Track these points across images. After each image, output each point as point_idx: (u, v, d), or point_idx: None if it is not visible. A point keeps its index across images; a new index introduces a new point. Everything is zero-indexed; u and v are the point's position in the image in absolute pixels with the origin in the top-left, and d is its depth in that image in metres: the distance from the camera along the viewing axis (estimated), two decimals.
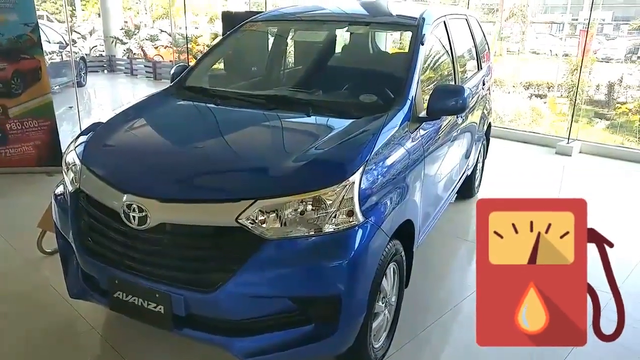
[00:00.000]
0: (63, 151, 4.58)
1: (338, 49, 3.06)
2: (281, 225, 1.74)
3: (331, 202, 1.77)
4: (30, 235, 3.20)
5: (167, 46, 13.18)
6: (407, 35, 2.72)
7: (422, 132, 2.42)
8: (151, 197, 1.81)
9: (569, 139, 5.97)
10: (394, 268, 2.17)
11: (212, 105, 2.48)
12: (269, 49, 3.32)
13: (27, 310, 2.56)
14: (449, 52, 3.07)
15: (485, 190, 4.49)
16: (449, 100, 2.35)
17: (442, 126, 2.71)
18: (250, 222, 1.73)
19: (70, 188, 2.14)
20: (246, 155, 2.01)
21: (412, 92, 2.37)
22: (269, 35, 3.39)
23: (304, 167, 1.85)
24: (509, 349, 2.35)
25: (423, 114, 2.42)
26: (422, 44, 2.60)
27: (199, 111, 2.49)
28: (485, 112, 4.07)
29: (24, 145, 4.65)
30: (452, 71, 3.06)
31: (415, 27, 2.70)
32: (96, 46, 15.16)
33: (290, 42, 3.31)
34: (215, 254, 1.78)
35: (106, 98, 9.60)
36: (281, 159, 1.90)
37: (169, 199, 1.80)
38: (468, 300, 2.76)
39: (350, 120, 2.20)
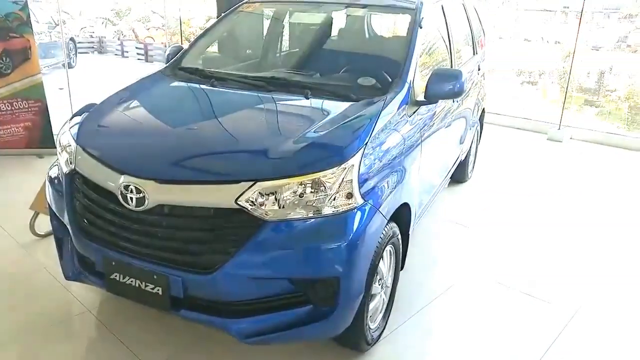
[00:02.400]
0: (54, 133, 4.60)
1: (336, 32, 3.03)
2: (280, 207, 1.74)
3: (330, 184, 1.77)
4: (23, 218, 3.17)
5: (158, 28, 12.95)
6: (405, 18, 2.69)
7: (419, 115, 2.42)
8: (149, 178, 1.79)
9: (560, 125, 6.01)
10: (390, 250, 2.19)
11: (209, 87, 2.45)
12: (266, 31, 3.27)
13: (21, 293, 2.55)
14: (446, 36, 3.06)
15: (479, 175, 4.52)
16: (446, 84, 2.35)
17: (439, 111, 2.71)
18: (249, 204, 1.73)
19: (65, 169, 2.11)
20: (245, 137, 2.00)
21: (410, 76, 2.36)
22: (266, 17, 3.34)
23: (304, 149, 1.84)
24: (506, 336, 2.41)
25: (420, 97, 2.42)
26: (421, 28, 2.58)
27: (196, 92, 2.46)
28: (480, 97, 4.07)
29: (14, 126, 4.57)
30: (449, 55, 3.05)
31: (413, 10, 2.68)
32: (86, 27, 14.85)
33: (287, 24, 3.27)
34: (213, 236, 1.77)
35: (97, 80, 9.43)
36: (280, 141, 1.89)
37: (167, 180, 1.79)
38: (461, 282, 2.80)
39: (349, 103, 2.19)
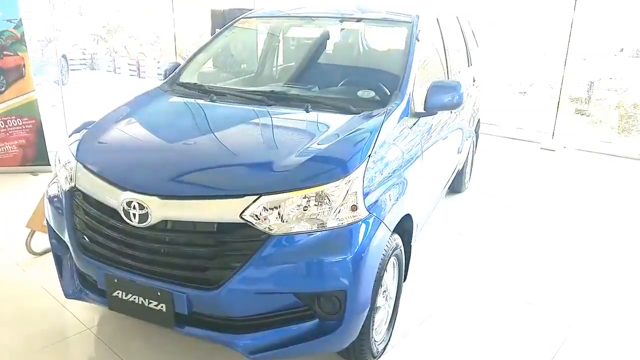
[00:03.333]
0: (49, 150, 4.56)
1: (333, 46, 3.06)
2: (285, 221, 1.74)
3: (335, 197, 1.77)
4: (18, 236, 3.13)
5: (151, 44, 13.00)
6: (402, 31, 2.73)
7: (419, 127, 2.44)
8: (152, 193, 1.78)
9: (553, 134, 6.09)
10: (393, 262, 2.19)
11: (209, 102, 2.46)
12: (263, 46, 3.30)
13: (19, 312, 2.50)
14: (442, 48, 3.10)
15: (475, 185, 4.55)
16: (445, 95, 2.37)
17: (437, 122, 2.74)
18: (254, 218, 1.72)
19: (65, 186, 2.09)
20: (248, 151, 1.99)
21: (410, 88, 2.39)
22: (262, 32, 3.37)
23: (307, 162, 1.84)
24: (517, 345, 2.40)
25: (419, 109, 2.44)
26: (418, 40, 2.62)
27: (196, 107, 2.46)
28: (475, 108, 4.12)
29: (8, 144, 4.54)
30: (445, 67, 3.09)
31: (410, 23, 2.72)
32: (77, 44, 14.86)
33: (284, 38, 3.30)
34: (218, 251, 1.76)
35: (90, 97, 9.41)
36: (284, 155, 1.89)
37: (170, 196, 1.78)
38: (463, 293, 2.80)
39: (350, 116, 2.21)
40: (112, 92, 10.00)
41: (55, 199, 2.20)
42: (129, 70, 12.51)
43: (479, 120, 4.43)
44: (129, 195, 1.80)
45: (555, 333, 2.48)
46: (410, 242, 2.39)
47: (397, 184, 2.12)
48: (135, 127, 2.27)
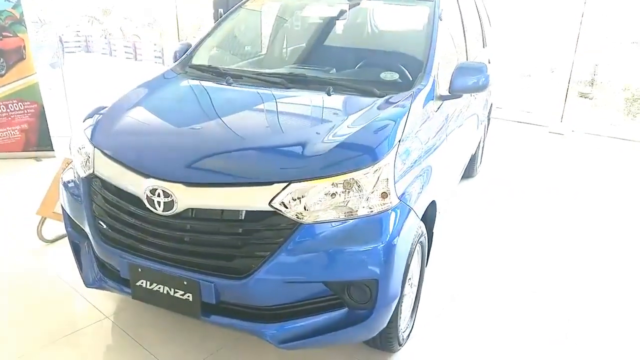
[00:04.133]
0: (52, 135, 4.47)
1: (351, 26, 2.96)
2: (315, 209, 1.68)
3: (366, 184, 1.72)
4: (28, 223, 3.07)
5: (146, 25, 12.73)
6: (424, 10, 2.64)
7: (443, 111, 2.38)
8: (177, 181, 1.72)
9: (562, 117, 6.03)
10: (418, 249, 2.15)
11: (226, 85, 2.38)
12: (276, 26, 3.19)
13: (36, 303, 2.45)
14: (461, 28, 3.01)
15: (486, 170, 4.51)
16: (471, 77, 2.31)
17: (460, 106, 2.67)
18: (283, 206, 1.67)
19: (82, 173, 2.02)
20: (274, 136, 1.92)
21: (435, 70, 2.32)
22: (274, 12, 3.26)
23: (337, 148, 1.78)
24: (529, 332, 2.38)
25: (443, 92, 2.37)
26: (441, 20, 2.53)
27: (214, 91, 2.38)
28: (489, 91, 4.05)
29: (10, 129, 4.43)
30: (464, 48, 3.01)
31: (432, 1, 2.63)
32: (69, 25, 14.53)
33: (298, 18, 3.19)
34: (246, 239, 1.71)
35: (87, 79, 9.23)
36: (311, 140, 1.83)
37: (196, 183, 1.72)
38: (481, 277, 2.78)
39: (374, 99, 2.14)
40: (109, 75, 9.81)
41: (72, 186, 2.13)
42: (125, 53, 12.27)
43: (491, 104, 4.36)
44: (153, 183, 1.74)
45: (562, 321, 2.45)
46: (433, 228, 2.35)
47: (425, 169, 2.06)
48: (154, 111, 2.18)
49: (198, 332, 2.24)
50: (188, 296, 1.78)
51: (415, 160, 1.99)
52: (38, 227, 3.00)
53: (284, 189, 1.67)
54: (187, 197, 1.71)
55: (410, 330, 2.25)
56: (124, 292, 1.98)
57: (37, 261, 2.83)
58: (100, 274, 2.06)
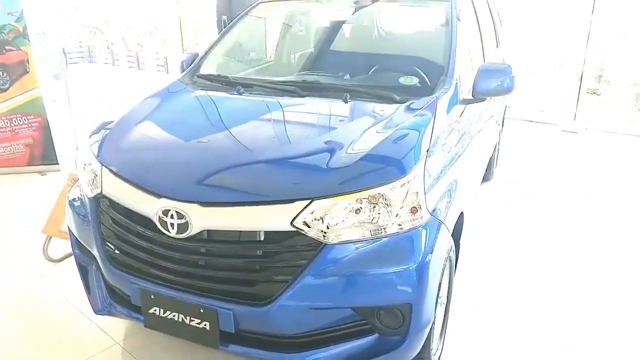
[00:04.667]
0: (57, 149, 4.37)
1: (364, 29, 2.84)
2: (340, 227, 1.56)
3: (394, 199, 1.59)
4: (34, 242, 2.96)
5: (148, 33, 12.66)
6: (440, 11, 2.52)
7: (467, 116, 2.26)
8: (192, 201, 1.60)
9: (575, 116, 5.88)
10: (447, 265, 2.02)
11: (237, 95, 2.26)
12: (283, 32, 3.07)
13: (43, 327, 2.34)
14: (477, 28, 2.89)
15: (502, 172, 4.37)
16: (495, 80, 2.18)
17: (481, 109, 2.55)
18: (306, 225, 1.54)
19: (89, 193, 1.91)
20: (293, 149, 1.80)
21: (457, 73, 2.19)
22: (287, 17, 3.14)
23: (361, 161, 1.66)
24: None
25: (466, 96, 2.25)
26: (459, 20, 2.41)
27: (225, 102, 2.26)
28: None
29: (14, 143, 4.34)
30: (481, 49, 2.88)
31: (448, 1, 2.51)
32: (72, 36, 14.49)
33: (309, 23, 3.07)
34: (267, 263, 1.59)
35: (92, 90, 9.16)
36: (333, 153, 1.70)
37: (212, 203, 1.60)
38: (500, 285, 2.64)
39: (395, 106, 2.02)
40: (112, 85, 9.74)
41: (78, 205, 2.02)
42: (128, 62, 12.20)
43: (505, 106, 4.23)
44: (165, 203, 1.62)
45: (585, 328, 2.32)
46: (459, 240, 2.22)
47: (452, 179, 1.94)
48: (163, 125, 2.06)
49: (212, 358, 2.12)
50: (205, 325, 1.66)
51: (442, 170, 1.86)
52: (44, 246, 2.90)
53: (306, 207, 1.54)
54: (202, 218, 1.59)
55: (441, 352, 2.12)
56: (135, 319, 1.86)
57: (44, 283, 2.72)
58: (110, 300, 1.94)
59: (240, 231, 1.60)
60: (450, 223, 1.81)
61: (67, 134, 4.88)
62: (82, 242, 2.00)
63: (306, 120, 2.09)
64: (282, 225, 1.55)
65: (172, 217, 1.60)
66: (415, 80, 2.22)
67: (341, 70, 2.52)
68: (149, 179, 1.71)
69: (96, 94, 8.13)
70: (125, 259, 1.78)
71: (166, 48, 10.91)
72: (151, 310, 1.74)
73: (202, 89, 2.40)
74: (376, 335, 1.64)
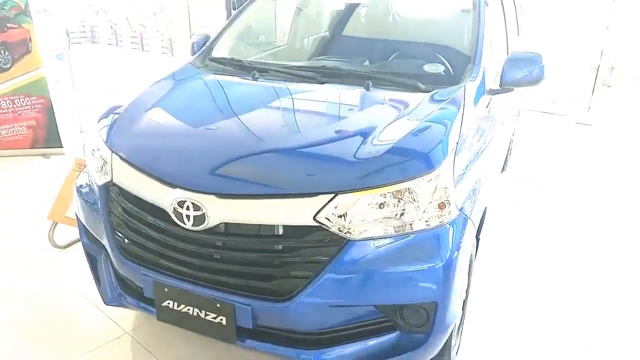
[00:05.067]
0: (61, 131, 4.28)
1: (388, 13, 2.70)
2: (365, 223, 1.48)
3: (423, 193, 1.51)
4: (39, 227, 2.90)
5: (153, 14, 12.42)
6: None
7: (493, 106, 2.16)
8: (209, 192, 1.52)
9: (589, 107, 5.76)
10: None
11: (253, 80, 2.16)
12: (303, 14, 2.95)
13: (52, 317, 2.28)
14: (502, 14, 2.77)
15: (516, 163, 4.28)
16: (524, 69, 2.08)
17: (505, 100, 2.45)
18: (329, 220, 1.46)
19: (99, 180, 1.83)
20: (315, 140, 1.70)
21: (485, 61, 2.09)
22: None
23: (388, 153, 1.57)
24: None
25: (493, 85, 2.15)
26: (487, 5, 2.29)
27: (241, 86, 2.16)
28: None
29: (17, 125, 4.24)
30: (505, 37, 2.77)
31: None
32: (75, 16, 14.24)
33: (326, 5, 2.95)
34: (287, 258, 1.51)
35: (96, 72, 9.01)
36: (357, 144, 1.61)
37: (231, 195, 1.52)
38: (518, 284, 2.58)
39: (421, 95, 1.92)
40: (116, 66, 9.59)
41: (86, 192, 1.94)
42: (132, 43, 12.01)
43: (521, 96, 4.11)
44: (181, 194, 1.54)
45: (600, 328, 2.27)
46: (479, 234, 2.15)
47: (478, 174, 1.85)
48: (177, 111, 1.96)
49: (223, 350, 2.07)
50: (221, 319, 1.59)
51: (469, 164, 1.77)
52: (50, 232, 2.83)
53: (330, 201, 1.46)
54: (220, 211, 1.51)
55: (458, 348, 2.06)
56: (147, 312, 1.79)
57: (51, 271, 2.65)
58: (121, 291, 1.88)
59: (260, 225, 1.52)
60: (476, 219, 1.74)
61: (70, 116, 4.78)
62: (90, 230, 1.93)
63: (327, 109, 1.99)
64: (305, 219, 1.47)
65: (187, 208, 1.53)
66: (440, 68, 2.12)
67: (360, 55, 2.41)
68: (163, 168, 1.63)
69: (100, 76, 8.00)
70: (137, 250, 1.71)
71: (171, 29, 10.70)
72: (164, 303, 1.68)
73: (215, 73, 2.30)
74: (397, 333, 1.58)
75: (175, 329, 2.12)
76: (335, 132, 1.73)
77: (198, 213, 1.52)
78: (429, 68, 2.13)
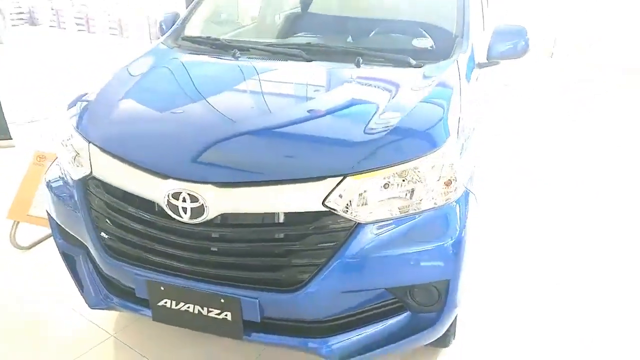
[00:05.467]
0: (9, 121, 3.92)
1: None
2: (374, 205, 1.43)
3: (429, 172, 1.47)
4: None
5: None
6: None
7: (481, 80, 2.15)
8: (206, 181, 1.41)
9: None
10: None
11: (234, 59, 2.03)
12: None
13: (29, 325, 2.09)
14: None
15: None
16: (510, 42, 2.07)
17: (489, 73, 2.44)
18: (338, 204, 1.40)
19: (75, 174, 1.66)
20: (317, 120, 1.62)
21: (473, 34, 2.06)
22: None
23: (392, 133, 1.51)
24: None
25: (480, 59, 2.13)
26: None
27: (223, 66, 2.02)
28: None
29: None
30: (482, 12, 2.76)
31: None
32: None
33: None
34: (295, 247, 1.44)
35: (38, 56, 8.33)
36: (360, 124, 1.54)
37: (231, 183, 1.41)
38: (509, 265, 2.62)
39: (413, 70, 1.87)
40: (61, 50, 8.92)
41: (59, 187, 1.77)
42: (77, 24, 11.19)
43: None
44: (174, 185, 1.42)
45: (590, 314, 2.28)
46: None
47: (475, 147, 1.84)
48: (158, 94, 1.81)
49: (208, 344, 1.98)
50: (226, 315, 1.51)
51: (468, 140, 1.76)
52: (11, 233, 2.60)
53: (338, 184, 1.40)
54: (220, 201, 1.41)
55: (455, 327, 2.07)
56: (139, 313, 1.68)
57: (17, 275, 2.42)
58: (107, 292, 1.74)
59: (263, 213, 1.43)
60: (477, 192, 1.73)
61: (16, 104, 4.39)
62: (67, 229, 1.77)
63: (319, 88, 1.90)
64: (313, 205, 1.40)
65: (184, 200, 1.41)
66: (429, 42, 2.08)
67: (343, 32, 2.33)
68: (151, 157, 1.49)
69: (44, 60, 7.41)
70: (126, 247, 1.58)
71: (120, 9, 10.06)
72: (161, 303, 1.57)
73: (192, 53, 2.15)
74: (407, 314, 1.56)
75: (159, 327, 2.02)
76: (334, 112, 1.65)
77: (196, 205, 1.41)
78: (417, 42, 2.08)
